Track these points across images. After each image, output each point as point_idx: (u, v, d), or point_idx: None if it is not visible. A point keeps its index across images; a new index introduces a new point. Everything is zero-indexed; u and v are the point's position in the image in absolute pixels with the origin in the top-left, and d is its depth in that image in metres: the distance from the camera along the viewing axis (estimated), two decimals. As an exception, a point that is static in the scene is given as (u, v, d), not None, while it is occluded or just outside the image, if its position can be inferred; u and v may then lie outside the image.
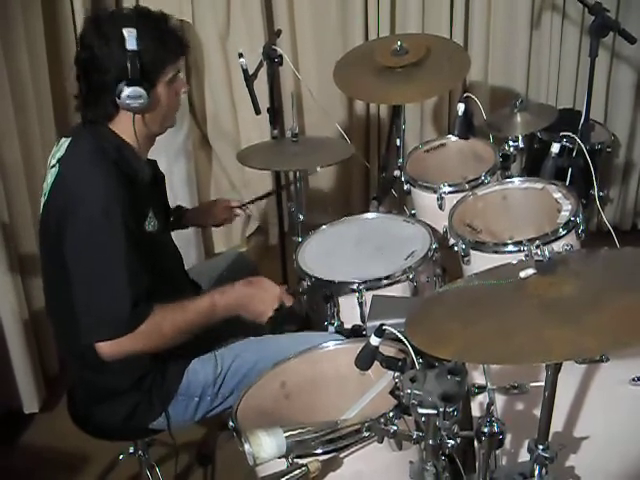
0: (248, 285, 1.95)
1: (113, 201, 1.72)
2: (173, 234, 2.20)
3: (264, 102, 2.81)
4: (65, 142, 1.87)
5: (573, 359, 1.57)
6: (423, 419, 1.30)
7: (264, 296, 1.94)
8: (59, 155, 1.85)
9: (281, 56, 2.72)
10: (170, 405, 1.94)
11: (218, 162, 3.74)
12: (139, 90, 1.77)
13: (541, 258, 1.35)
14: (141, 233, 1.80)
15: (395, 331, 1.42)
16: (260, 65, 2.74)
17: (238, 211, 2.50)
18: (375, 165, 3.71)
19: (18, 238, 2.69)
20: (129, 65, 1.74)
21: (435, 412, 1.25)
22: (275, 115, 2.90)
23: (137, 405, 1.92)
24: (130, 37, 1.73)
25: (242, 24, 3.52)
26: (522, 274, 1.35)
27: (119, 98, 1.77)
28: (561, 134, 2.45)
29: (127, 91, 1.76)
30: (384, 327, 1.44)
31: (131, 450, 2.24)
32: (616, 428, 1.64)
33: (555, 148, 2.36)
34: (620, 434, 1.64)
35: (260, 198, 2.73)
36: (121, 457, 2.30)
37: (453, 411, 1.25)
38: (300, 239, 2.52)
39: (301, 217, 2.69)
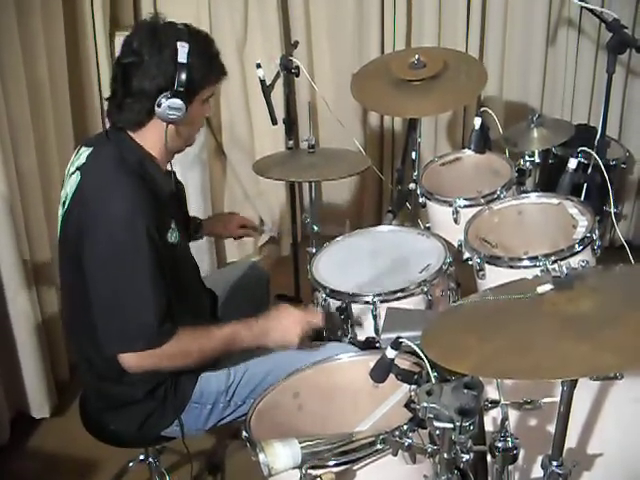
0: (268, 319, 1.94)
1: (137, 215, 1.72)
2: (187, 243, 2.22)
3: (280, 113, 2.83)
4: (86, 151, 1.86)
5: (590, 375, 1.56)
6: (438, 433, 1.30)
7: (285, 326, 1.93)
8: (79, 163, 1.85)
9: (298, 67, 2.73)
10: (183, 413, 1.94)
11: (233, 172, 3.75)
12: (180, 103, 1.77)
13: (559, 274, 1.35)
14: (163, 245, 1.80)
15: (412, 344, 1.42)
16: (277, 76, 2.75)
17: (252, 232, 2.50)
18: (389, 178, 3.71)
19: (32, 245, 2.70)
20: (177, 77, 1.75)
21: (452, 426, 1.24)
22: (291, 126, 2.91)
23: (150, 413, 1.92)
24: (182, 50, 1.75)
25: (259, 35, 3.54)
26: (539, 290, 1.35)
27: (159, 107, 1.77)
28: (578, 150, 2.45)
29: (168, 102, 1.76)
30: (400, 340, 1.44)
31: (141, 457, 2.24)
32: (629, 446, 1.63)
33: (572, 164, 2.36)
34: (633, 452, 1.63)
35: None
36: (131, 464, 2.30)
37: (469, 425, 1.25)
38: (314, 250, 2.53)
39: (316, 228, 2.70)
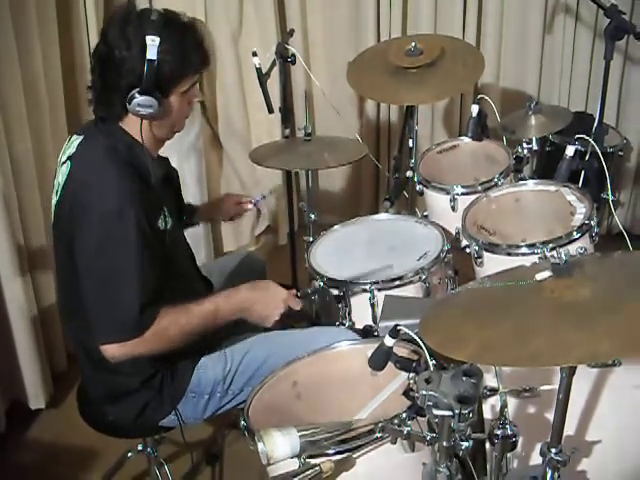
0: (253, 289, 1.92)
1: (126, 203, 1.71)
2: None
3: (276, 101, 2.81)
4: (76, 140, 1.86)
5: (589, 362, 1.56)
6: (437, 421, 1.30)
7: (269, 300, 1.91)
8: (70, 152, 1.84)
9: (294, 55, 2.72)
10: (180, 402, 1.94)
11: (229, 161, 3.74)
12: (150, 99, 1.73)
13: (557, 261, 1.34)
14: (154, 232, 1.79)
15: (410, 332, 1.41)
16: (273, 64, 2.74)
17: (249, 206, 2.43)
18: (386, 166, 3.71)
19: (28, 234, 2.70)
20: (145, 74, 1.71)
21: (451, 414, 1.24)
22: (287, 114, 2.90)
23: (148, 403, 1.92)
24: (152, 46, 1.69)
25: (254, 23, 3.53)
26: (538, 276, 1.35)
27: (129, 104, 1.74)
28: (576, 137, 2.44)
29: (138, 99, 1.73)
30: (399, 328, 1.44)
31: (140, 447, 2.24)
32: (628, 433, 1.64)
33: (570, 151, 2.35)
34: (632, 439, 1.63)
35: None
36: (129, 454, 2.30)
37: (469, 413, 1.24)
38: (312, 239, 2.52)
39: (313, 217, 2.69)
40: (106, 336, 1.75)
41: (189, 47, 1.79)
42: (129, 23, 1.74)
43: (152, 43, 1.69)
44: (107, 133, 1.83)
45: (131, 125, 1.81)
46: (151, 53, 1.70)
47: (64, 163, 1.84)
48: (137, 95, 1.73)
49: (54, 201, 1.87)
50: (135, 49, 1.71)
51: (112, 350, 1.75)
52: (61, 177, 1.83)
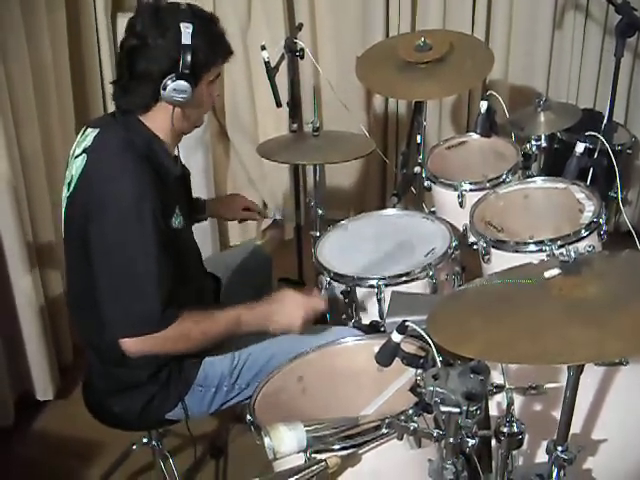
0: (270, 302, 1.93)
1: (143, 199, 1.70)
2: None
3: (284, 95, 2.81)
4: (92, 132, 1.85)
5: (597, 361, 1.56)
6: (444, 417, 1.30)
7: (286, 309, 1.92)
8: (85, 145, 1.83)
9: (302, 50, 2.71)
10: (186, 396, 1.94)
11: (236, 155, 3.73)
12: (185, 85, 1.76)
13: (566, 258, 1.34)
14: (168, 230, 1.79)
15: (418, 328, 1.41)
16: (281, 58, 2.73)
17: (256, 215, 2.48)
18: (393, 161, 3.70)
19: (36, 226, 2.70)
20: (181, 59, 1.74)
21: (458, 410, 1.24)
22: (295, 109, 2.89)
23: (154, 396, 1.92)
24: (186, 32, 1.73)
25: (263, 17, 3.52)
26: (547, 274, 1.34)
27: (164, 90, 1.76)
28: (586, 134, 2.44)
29: (173, 84, 1.75)
30: (407, 324, 1.44)
31: (145, 440, 2.24)
32: (634, 432, 1.63)
33: (580, 148, 2.35)
34: (638, 438, 1.63)
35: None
36: (134, 447, 2.31)
37: (476, 410, 1.24)
38: (318, 234, 2.52)
39: (320, 212, 2.68)
40: (126, 330, 1.75)
41: (217, 36, 1.84)
42: (161, 12, 1.78)
43: (187, 29, 1.74)
44: (126, 126, 1.83)
45: (154, 118, 1.83)
46: (186, 38, 1.74)
47: (79, 156, 1.83)
48: (171, 81, 1.75)
49: (66, 194, 1.86)
50: (170, 35, 1.74)
51: (132, 344, 1.75)
52: (75, 170, 1.83)
